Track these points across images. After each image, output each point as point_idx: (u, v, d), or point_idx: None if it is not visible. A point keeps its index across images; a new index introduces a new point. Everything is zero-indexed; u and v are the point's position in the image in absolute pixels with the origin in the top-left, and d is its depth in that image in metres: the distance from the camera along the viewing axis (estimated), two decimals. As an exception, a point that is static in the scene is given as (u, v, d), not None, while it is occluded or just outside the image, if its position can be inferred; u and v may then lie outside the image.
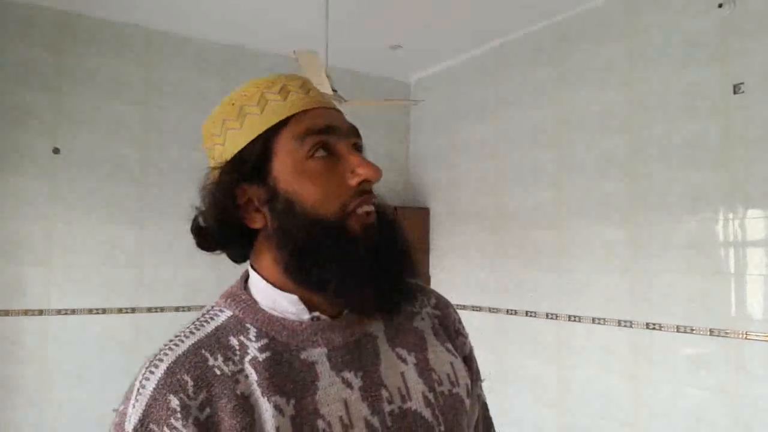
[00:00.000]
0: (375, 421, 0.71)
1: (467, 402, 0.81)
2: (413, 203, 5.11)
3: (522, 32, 4.18)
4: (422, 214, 4.94)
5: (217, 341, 0.71)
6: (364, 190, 0.74)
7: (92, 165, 3.89)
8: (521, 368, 4.01)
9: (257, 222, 0.75)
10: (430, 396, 0.76)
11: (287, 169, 0.73)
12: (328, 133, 0.74)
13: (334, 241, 0.71)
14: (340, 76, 4.22)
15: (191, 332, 0.72)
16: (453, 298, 4.60)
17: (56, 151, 3.77)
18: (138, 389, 0.67)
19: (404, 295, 0.78)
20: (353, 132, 0.78)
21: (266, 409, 0.66)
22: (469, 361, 0.89)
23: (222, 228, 0.75)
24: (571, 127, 3.79)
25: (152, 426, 0.64)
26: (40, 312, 3.68)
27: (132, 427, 0.64)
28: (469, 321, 4.58)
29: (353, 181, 0.73)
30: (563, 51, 3.88)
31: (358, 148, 0.78)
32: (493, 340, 4.22)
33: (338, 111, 0.79)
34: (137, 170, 4.04)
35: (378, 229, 0.75)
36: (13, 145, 3.66)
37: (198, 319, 0.75)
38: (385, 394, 0.73)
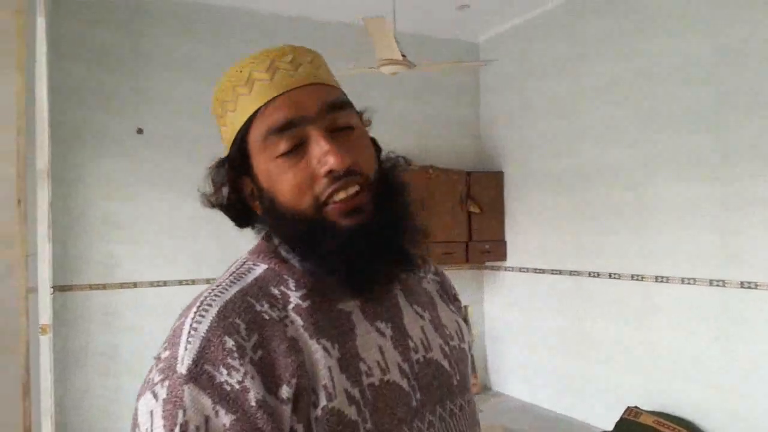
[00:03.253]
0: (406, 367, 0.76)
1: (470, 357, 0.91)
2: (486, 167, 5.04)
3: (596, -18, 3.99)
4: (496, 177, 4.87)
5: (259, 290, 0.73)
6: (336, 178, 0.72)
7: (172, 144, 4.02)
8: (605, 332, 3.94)
9: (259, 210, 0.79)
10: (446, 348, 0.83)
11: (261, 167, 0.75)
12: (291, 127, 0.73)
13: (317, 235, 0.72)
14: (407, 41, 4.16)
15: (232, 282, 0.74)
16: (530, 262, 4.48)
17: (140, 131, 3.92)
18: (189, 332, 0.67)
19: (408, 264, 0.79)
20: (329, 108, 0.75)
21: (316, 350, 0.69)
22: (465, 323, 0.96)
23: (233, 216, 0.82)
24: (651, 80, 3.61)
25: (207, 367, 0.64)
26: (134, 285, 3.90)
27: (186, 369, 0.64)
28: (549, 284, 4.52)
29: (322, 171, 0.72)
30: (641, -1, 3.68)
31: (337, 125, 0.75)
32: (575, 304, 4.15)
33: (311, 86, 0.75)
34: (214, 148, 4.13)
35: (367, 207, 0.74)
36: (99, 128, 3.83)
37: (233, 273, 0.77)
38: (411, 344, 0.79)
